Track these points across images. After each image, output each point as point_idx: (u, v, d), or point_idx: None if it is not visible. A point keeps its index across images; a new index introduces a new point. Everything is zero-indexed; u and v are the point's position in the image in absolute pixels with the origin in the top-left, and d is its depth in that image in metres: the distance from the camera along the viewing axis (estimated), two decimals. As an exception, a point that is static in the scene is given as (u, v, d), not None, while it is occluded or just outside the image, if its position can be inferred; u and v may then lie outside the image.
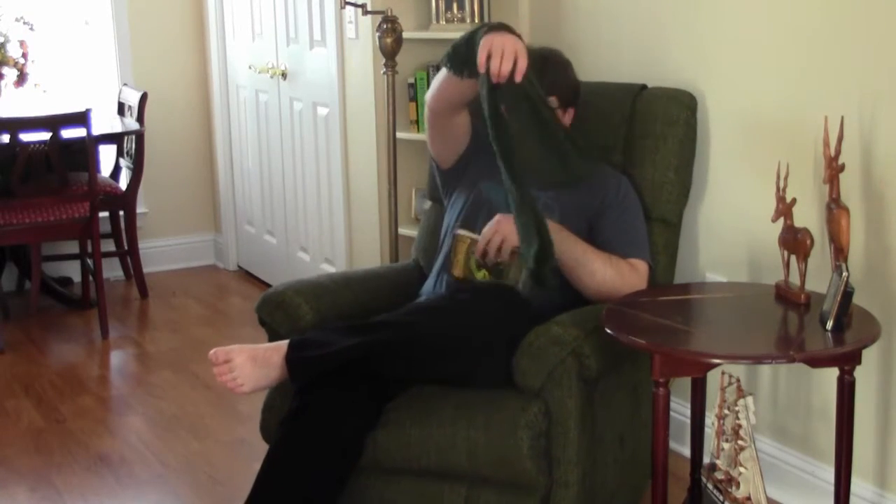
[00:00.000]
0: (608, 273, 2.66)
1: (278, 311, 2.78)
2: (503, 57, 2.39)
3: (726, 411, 2.39)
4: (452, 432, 2.46)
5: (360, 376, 2.49)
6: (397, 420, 2.52)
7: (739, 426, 2.34)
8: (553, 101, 2.79)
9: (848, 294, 2.26)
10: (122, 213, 5.01)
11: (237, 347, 2.52)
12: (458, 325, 2.55)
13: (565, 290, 2.68)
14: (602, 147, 2.96)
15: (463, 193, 2.93)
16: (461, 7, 3.78)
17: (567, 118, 2.87)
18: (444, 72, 2.66)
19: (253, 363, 2.50)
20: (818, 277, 2.53)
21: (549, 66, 2.83)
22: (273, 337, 2.75)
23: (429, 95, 2.87)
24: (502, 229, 2.61)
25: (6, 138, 4.27)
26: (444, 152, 3.00)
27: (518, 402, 2.46)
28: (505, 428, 2.42)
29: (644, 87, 3.03)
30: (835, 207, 2.40)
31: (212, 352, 2.52)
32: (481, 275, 2.67)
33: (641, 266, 2.72)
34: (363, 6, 3.76)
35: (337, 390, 2.48)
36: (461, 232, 2.72)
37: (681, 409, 3.09)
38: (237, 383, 2.50)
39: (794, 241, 2.47)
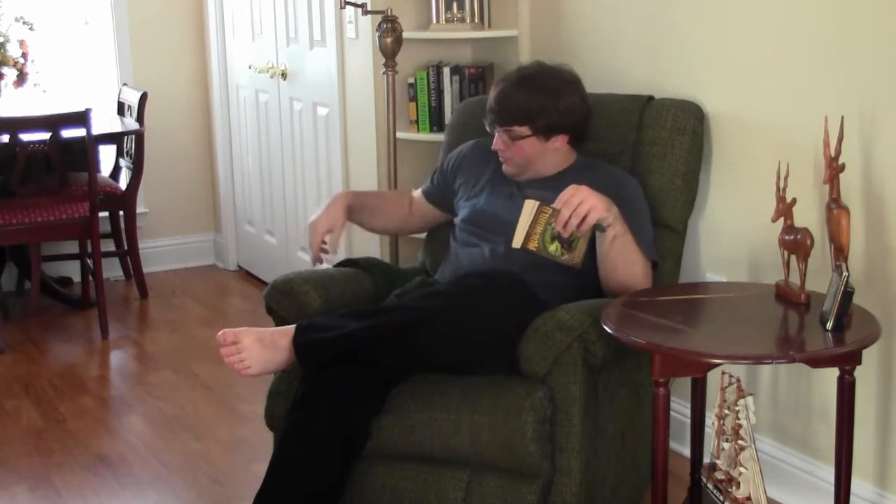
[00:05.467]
0: (642, 267, 2.65)
1: (286, 298, 2.80)
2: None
3: (726, 411, 2.39)
4: (456, 416, 2.48)
5: (366, 361, 2.50)
6: (401, 405, 2.53)
7: (739, 426, 2.34)
8: (523, 129, 2.79)
9: (848, 294, 2.26)
10: (122, 213, 5.01)
11: (245, 329, 2.54)
12: (466, 312, 2.56)
13: (581, 289, 2.69)
14: (610, 154, 2.97)
15: (466, 207, 2.97)
16: (461, 7, 3.78)
17: (555, 143, 2.84)
18: None
19: (260, 345, 2.52)
20: (818, 277, 2.53)
21: (524, 93, 2.80)
22: (280, 325, 2.75)
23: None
24: (589, 200, 2.51)
25: (6, 138, 4.26)
26: (438, 214, 3.13)
27: (523, 387, 2.47)
28: (509, 411, 2.43)
29: (651, 97, 3.04)
30: (835, 207, 2.40)
31: (220, 333, 2.54)
32: (554, 247, 2.54)
33: (649, 266, 2.73)
34: (363, 6, 3.76)
35: (344, 374, 2.49)
36: (540, 202, 2.55)
37: (681, 409, 3.09)
38: (244, 365, 2.52)
39: (794, 241, 2.47)
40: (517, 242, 2.54)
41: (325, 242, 2.96)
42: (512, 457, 2.45)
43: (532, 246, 2.53)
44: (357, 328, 2.50)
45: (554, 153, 2.86)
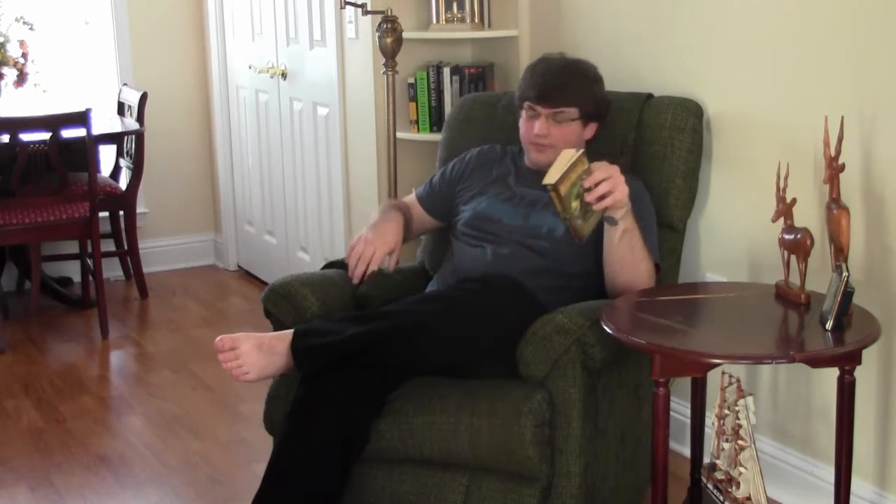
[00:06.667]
0: (646, 268, 2.65)
1: (284, 301, 2.79)
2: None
3: (726, 411, 2.39)
4: (455, 420, 2.47)
5: (365, 365, 2.50)
6: (400, 408, 2.53)
7: (739, 426, 2.34)
8: (572, 111, 2.80)
9: (848, 294, 2.26)
10: (122, 213, 5.01)
11: (243, 335, 2.54)
12: (465, 316, 2.55)
13: (580, 292, 2.68)
14: (610, 154, 2.97)
15: (466, 210, 2.96)
16: (461, 7, 3.78)
17: (587, 132, 2.87)
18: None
19: (258, 351, 2.52)
20: (818, 277, 2.53)
21: (572, 75, 2.85)
22: (278, 328, 2.75)
23: None
24: (619, 185, 2.48)
25: (6, 138, 4.27)
26: (427, 220, 3.08)
27: (522, 390, 2.47)
28: (508, 415, 2.43)
29: (650, 95, 3.04)
30: (835, 207, 2.40)
31: (218, 339, 2.54)
32: (575, 205, 2.48)
33: (653, 267, 2.73)
34: (363, 6, 3.76)
35: (343, 378, 2.49)
36: (583, 150, 2.53)
37: (681, 409, 3.09)
38: (242, 371, 2.52)
39: (794, 241, 2.47)
40: (552, 178, 2.44)
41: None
42: (511, 460, 2.45)
43: (563, 189, 2.45)
44: (356, 333, 2.49)
45: (582, 143, 2.86)
